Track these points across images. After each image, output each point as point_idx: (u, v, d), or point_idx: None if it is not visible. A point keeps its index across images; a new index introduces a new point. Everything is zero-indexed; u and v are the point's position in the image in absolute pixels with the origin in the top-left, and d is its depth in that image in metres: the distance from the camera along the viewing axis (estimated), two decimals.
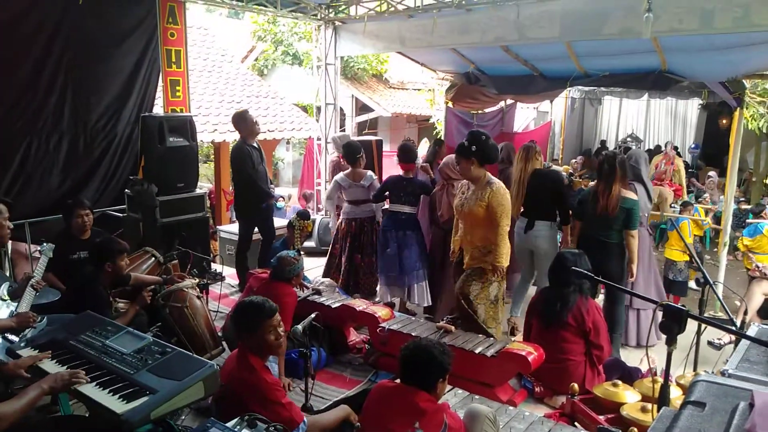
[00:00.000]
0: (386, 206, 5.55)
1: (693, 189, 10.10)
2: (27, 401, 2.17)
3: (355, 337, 4.58)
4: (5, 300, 3.24)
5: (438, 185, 5.29)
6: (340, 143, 6.39)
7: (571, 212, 4.80)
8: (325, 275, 5.71)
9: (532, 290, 5.45)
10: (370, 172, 5.58)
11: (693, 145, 13.13)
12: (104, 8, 5.31)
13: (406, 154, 5.38)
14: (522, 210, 4.95)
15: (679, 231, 4.97)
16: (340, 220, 5.74)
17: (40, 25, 5.00)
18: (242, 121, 5.37)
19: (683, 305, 2.10)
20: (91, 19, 5.24)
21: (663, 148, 9.92)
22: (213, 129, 8.77)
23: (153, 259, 4.59)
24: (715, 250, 6.80)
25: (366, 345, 4.43)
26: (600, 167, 4.44)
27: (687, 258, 5.96)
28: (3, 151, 4.94)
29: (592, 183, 8.17)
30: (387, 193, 5.37)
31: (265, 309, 2.68)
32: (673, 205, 7.21)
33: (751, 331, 2.20)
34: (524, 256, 5.00)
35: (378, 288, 5.49)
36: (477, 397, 3.44)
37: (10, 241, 4.30)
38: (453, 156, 5.22)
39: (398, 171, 5.55)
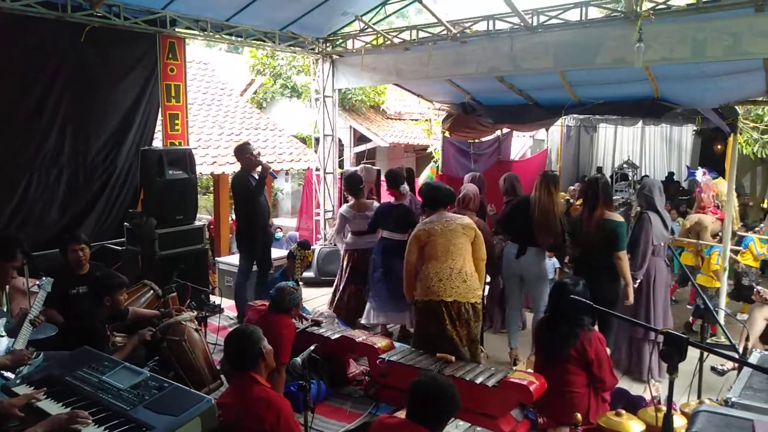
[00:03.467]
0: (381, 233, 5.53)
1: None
2: None
3: (354, 368, 4.52)
4: (2, 336, 3.21)
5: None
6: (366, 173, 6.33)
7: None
8: (330, 306, 5.69)
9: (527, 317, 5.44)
10: (375, 203, 5.58)
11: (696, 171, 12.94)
12: (105, 46, 5.42)
13: (391, 180, 5.46)
14: (510, 235, 4.94)
15: (677, 257, 4.97)
16: (343, 253, 5.74)
17: (42, 63, 5.08)
18: (243, 153, 5.41)
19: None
20: (93, 56, 5.34)
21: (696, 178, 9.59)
22: (212, 161, 8.84)
23: (151, 292, 4.57)
24: None
25: (366, 377, 4.38)
26: (584, 192, 4.46)
27: (718, 285, 5.95)
28: (4, 186, 4.98)
29: None
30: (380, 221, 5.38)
31: (255, 329, 2.89)
32: (719, 233, 7.11)
33: (753, 358, 2.19)
34: (514, 282, 4.94)
35: (366, 310, 5.40)
36: (479, 429, 3.37)
37: None
38: (470, 185, 5.31)
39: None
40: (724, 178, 6.17)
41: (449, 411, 2.54)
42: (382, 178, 6.79)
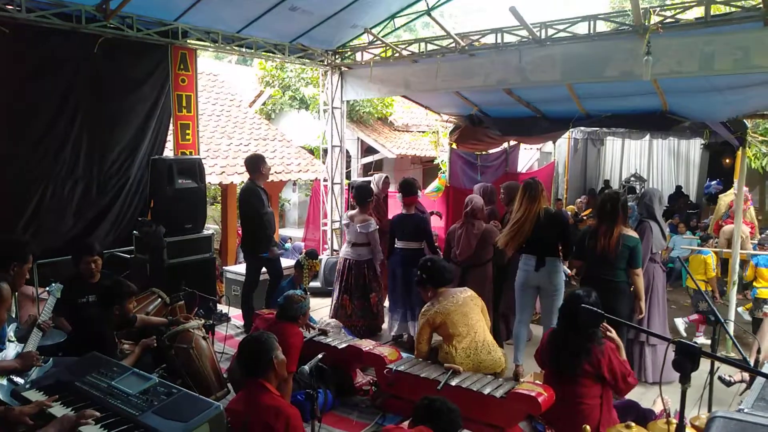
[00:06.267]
0: (397, 244, 5.55)
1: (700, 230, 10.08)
2: None
3: (361, 378, 4.51)
4: (12, 341, 3.23)
5: (458, 223, 5.38)
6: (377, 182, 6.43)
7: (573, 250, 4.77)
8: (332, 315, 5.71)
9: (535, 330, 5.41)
10: (372, 221, 5.60)
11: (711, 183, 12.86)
12: (119, 57, 5.47)
13: (405, 189, 5.57)
14: (524, 247, 4.82)
15: (687, 270, 4.94)
16: (339, 259, 5.81)
17: (57, 75, 5.13)
18: (258, 164, 5.45)
19: None
20: (107, 68, 5.40)
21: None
22: (221, 171, 8.90)
23: (159, 300, 4.59)
24: None
25: (373, 387, 4.36)
26: (602, 207, 4.40)
27: None
28: (19, 196, 5.02)
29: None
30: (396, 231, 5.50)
31: (270, 337, 2.89)
32: (753, 242, 7.16)
33: (766, 370, 2.16)
34: (529, 294, 4.83)
35: (392, 323, 5.54)
36: None
37: None
38: (476, 196, 5.39)
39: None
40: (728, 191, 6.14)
41: (454, 421, 2.66)
42: (390, 189, 6.83)
